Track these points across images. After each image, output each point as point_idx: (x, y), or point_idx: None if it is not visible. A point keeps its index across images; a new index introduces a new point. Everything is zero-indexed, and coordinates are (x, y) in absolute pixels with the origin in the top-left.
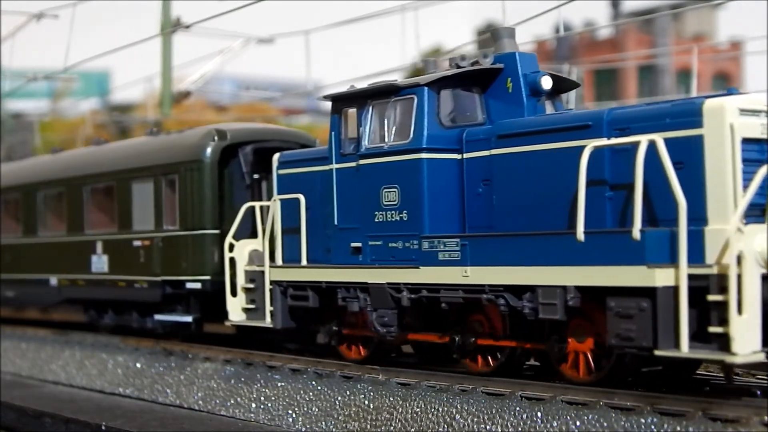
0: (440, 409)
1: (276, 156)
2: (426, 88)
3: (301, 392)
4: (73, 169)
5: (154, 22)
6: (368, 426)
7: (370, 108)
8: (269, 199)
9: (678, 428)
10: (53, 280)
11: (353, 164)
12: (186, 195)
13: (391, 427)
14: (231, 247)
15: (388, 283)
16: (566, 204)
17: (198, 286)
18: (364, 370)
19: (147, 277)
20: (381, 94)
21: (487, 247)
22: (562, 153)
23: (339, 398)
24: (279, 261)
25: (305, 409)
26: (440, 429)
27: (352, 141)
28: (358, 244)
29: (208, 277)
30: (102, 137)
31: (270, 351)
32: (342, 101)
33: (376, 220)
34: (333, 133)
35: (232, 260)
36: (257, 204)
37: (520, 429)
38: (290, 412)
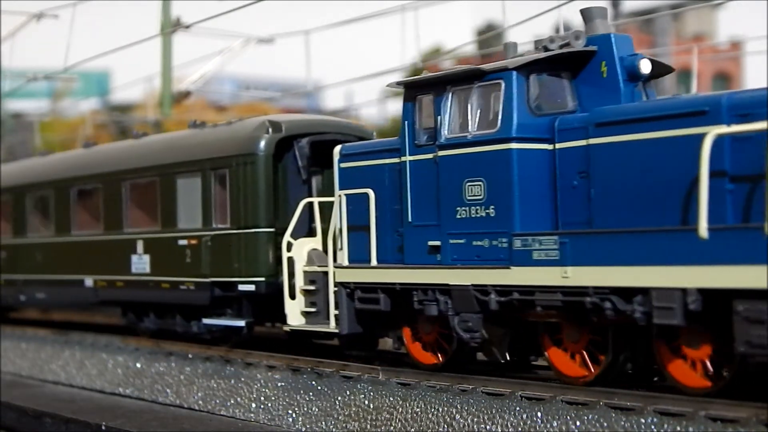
0: (440, 409)
1: (337, 148)
2: (515, 73)
3: (301, 392)
4: (110, 163)
5: (154, 22)
6: (368, 426)
7: (450, 95)
8: (324, 194)
9: (678, 428)
10: (88, 281)
11: (430, 156)
12: (238, 191)
13: (391, 427)
14: (289, 246)
15: (473, 285)
16: (679, 197)
17: (251, 288)
18: (364, 370)
19: (194, 278)
20: (463, 79)
21: (591, 245)
22: (675, 142)
23: (339, 398)
24: (345, 261)
25: (305, 409)
26: (440, 429)
27: (428, 131)
28: (437, 243)
29: (262, 279)
30: (141, 130)
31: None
32: (417, 88)
33: (458, 217)
34: (406, 122)
35: (290, 260)
36: (316, 200)
37: (520, 429)
38: (290, 412)
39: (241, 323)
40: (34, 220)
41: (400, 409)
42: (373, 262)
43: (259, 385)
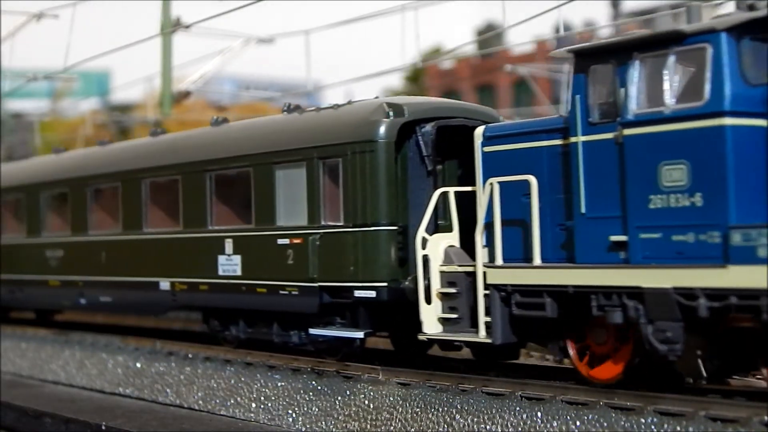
0: (440, 409)
1: (479, 130)
2: (724, 34)
3: (301, 392)
4: (189, 152)
5: (154, 22)
6: (368, 426)
7: (637, 63)
8: (448, 185)
9: (678, 428)
10: (164, 284)
11: (609, 135)
12: (354, 183)
13: (391, 427)
14: (424, 243)
15: (675, 288)
16: None
17: (371, 294)
18: (364, 369)
19: (298, 282)
20: (655, 43)
21: None
22: None
23: (339, 398)
24: (498, 260)
25: (305, 408)
26: (440, 429)
27: (607, 106)
28: (622, 238)
29: (383, 284)
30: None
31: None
32: (592, 56)
33: (651, 207)
34: (577, 96)
35: (426, 259)
36: (452, 190)
37: (520, 429)
38: (290, 411)
39: (359, 334)
40: (97, 216)
41: (400, 409)
42: (537, 261)
43: (259, 385)
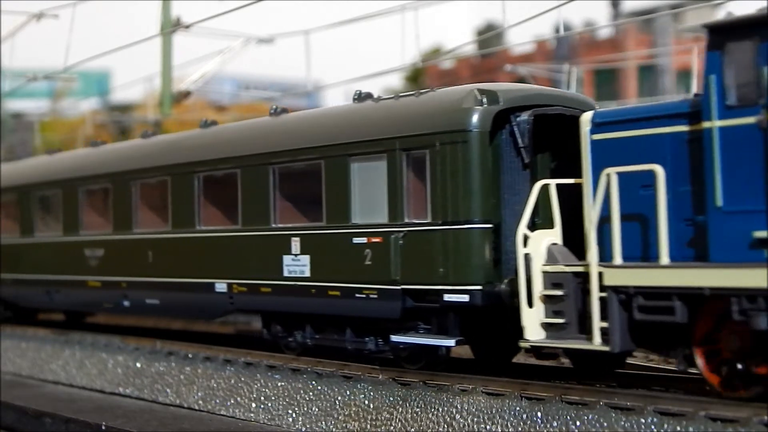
0: (440, 409)
1: (587, 116)
2: None
3: (301, 392)
4: (248, 144)
5: (154, 22)
6: (368, 426)
7: None
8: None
9: (678, 428)
10: (221, 286)
11: (751, 120)
12: (443, 177)
13: (391, 427)
14: (525, 241)
15: None
16: None
17: (463, 298)
18: (364, 369)
19: (377, 284)
20: None
21: None
22: None
23: (339, 398)
24: (617, 259)
25: (305, 408)
26: (440, 429)
27: (748, 87)
28: (766, 234)
29: (477, 287)
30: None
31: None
32: (730, 32)
33: None
34: (712, 77)
35: (527, 258)
36: (553, 182)
37: (520, 429)
38: (290, 411)
39: (450, 342)
40: (143, 212)
41: (400, 409)
42: (664, 260)
43: (259, 385)
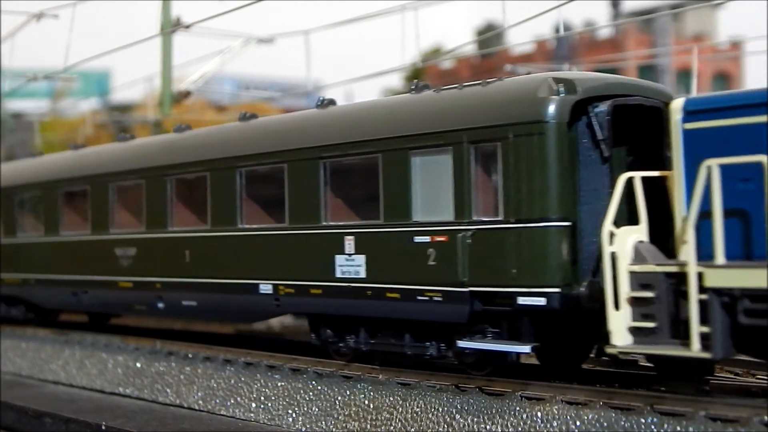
0: (440, 409)
1: (678, 103)
2: None
3: (301, 392)
4: (295, 137)
5: (154, 22)
6: (368, 426)
7: None
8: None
9: (678, 428)
10: (266, 287)
11: None
12: (517, 171)
13: (391, 427)
14: (611, 238)
15: None
16: None
17: (540, 302)
18: (364, 370)
19: (442, 286)
20: None
21: None
22: None
23: (339, 398)
24: (719, 258)
25: (305, 408)
26: (440, 429)
27: None
28: None
29: (555, 290)
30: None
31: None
32: None
33: None
34: None
35: (613, 257)
36: (638, 174)
37: (520, 429)
38: (290, 411)
39: (525, 349)
40: (179, 210)
41: (400, 409)
42: None
43: (259, 385)
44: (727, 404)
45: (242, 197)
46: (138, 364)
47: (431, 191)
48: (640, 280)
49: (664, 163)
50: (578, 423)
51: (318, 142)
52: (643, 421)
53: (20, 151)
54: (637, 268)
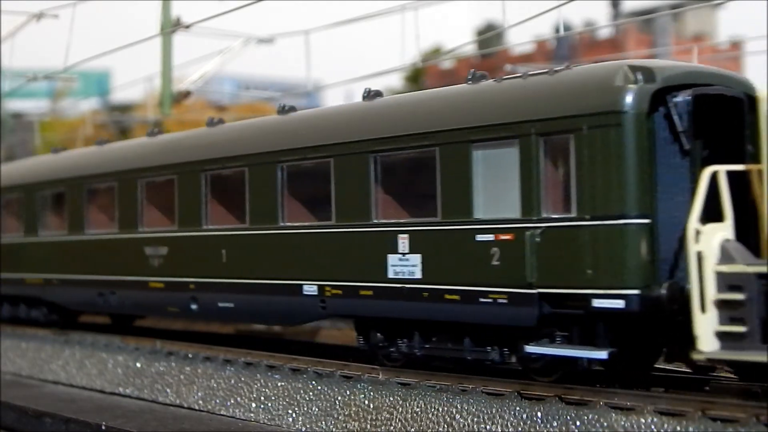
0: (440, 409)
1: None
2: None
3: (301, 392)
4: (342, 131)
5: (154, 22)
6: (368, 426)
7: None
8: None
9: (678, 428)
10: (310, 288)
11: None
12: (592, 165)
13: (391, 427)
14: (697, 236)
15: None
16: None
17: (618, 304)
18: (364, 369)
19: (508, 288)
20: None
21: None
22: None
23: (339, 398)
24: None
25: (305, 408)
26: (440, 429)
27: None
28: None
29: (635, 291)
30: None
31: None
32: None
33: None
34: None
35: (699, 256)
36: (723, 168)
37: (520, 429)
38: (290, 411)
39: (602, 355)
40: (215, 207)
41: (400, 409)
42: None
43: (259, 385)
44: (727, 404)
45: (284, 194)
46: (138, 364)
47: (495, 186)
48: (728, 282)
49: (744, 157)
50: (578, 423)
51: (368, 135)
52: (643, 421)
53: (20, 151)
54: (725, 268)
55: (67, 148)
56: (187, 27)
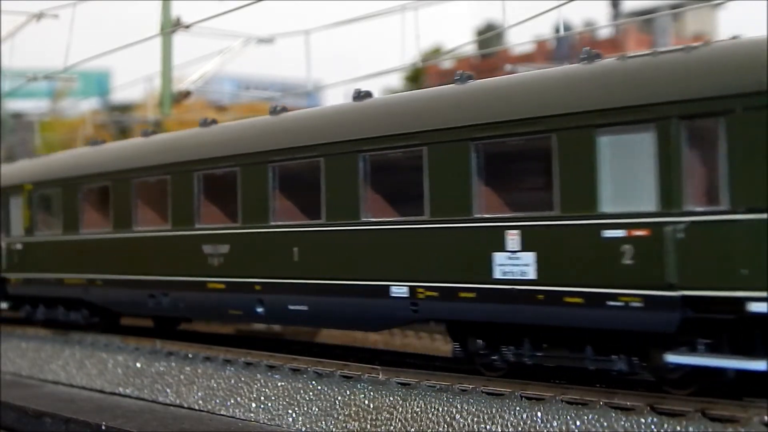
0: (440, 409)
1: None
2: None
3: (301, 392)
4: (436, 117)
5: (154, 22)
6: (368, 426)
7: None
8: None
9: (678, 428)
10: (399, 289)
11: None
12: (750, 151)
13: (391, 427)
14: None
15: None
16: None
17: None
18: (364, 369)
19: (642, 290)
20: None
21: None
22: None
23: (339, 398)
24: None
25: (305, 408)
26: (440, 429)
27: None
28: None
29: None
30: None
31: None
32: None
33: None
34: None
35: None
36: None
37: (520, 429)
38: (290, 411)
39: (761, 366)
40: (283, 202)
41: (400, 409)
42: None
43: (259, 385)
44: (727, 404)
45: (366, 187)
46: (138, 364)
47: (626, 176)
48: None
49: None
50: (578, 423)
51: (467, 121)
52: (643, 421)
53: (20, 151)
54: None
55: (106, 140)
56: (187, 27)
